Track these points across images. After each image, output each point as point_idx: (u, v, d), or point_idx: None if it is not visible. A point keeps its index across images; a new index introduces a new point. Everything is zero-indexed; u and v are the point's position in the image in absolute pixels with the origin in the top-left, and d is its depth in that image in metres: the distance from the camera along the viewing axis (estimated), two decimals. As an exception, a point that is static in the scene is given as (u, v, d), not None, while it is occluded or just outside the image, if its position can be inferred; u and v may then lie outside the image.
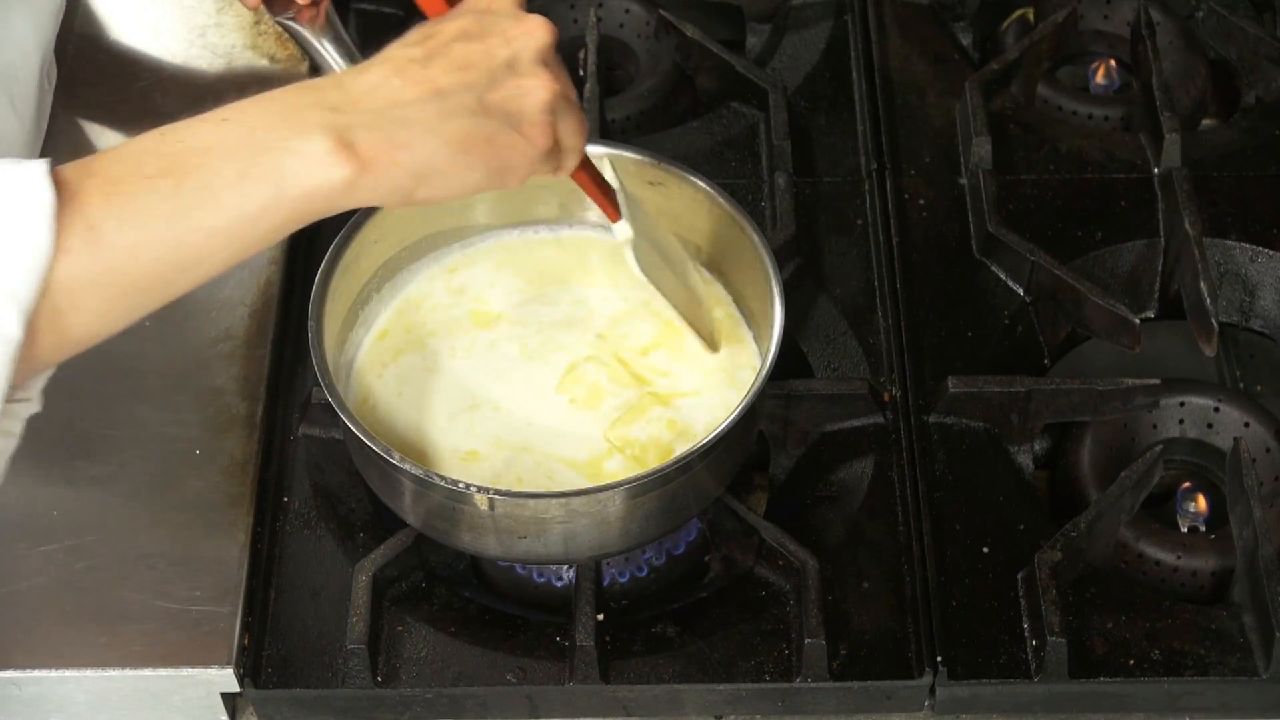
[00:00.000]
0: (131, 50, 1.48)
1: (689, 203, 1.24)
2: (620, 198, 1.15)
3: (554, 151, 0.99)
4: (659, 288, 1.18)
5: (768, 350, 1.15)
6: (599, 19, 1.52)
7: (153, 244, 0.87)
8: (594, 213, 1.29)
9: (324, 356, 1.14)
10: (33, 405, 0.95)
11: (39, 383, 0.95)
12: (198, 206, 0.88)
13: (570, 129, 1.00)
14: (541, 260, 1.30)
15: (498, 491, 1.11)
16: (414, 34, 0.98)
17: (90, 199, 0.87)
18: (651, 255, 1.18)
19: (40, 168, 0.86)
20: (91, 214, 0.86)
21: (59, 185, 0.86)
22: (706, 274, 1.27)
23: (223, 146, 0.89)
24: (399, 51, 0.97)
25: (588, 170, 1.11)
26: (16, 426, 0.96)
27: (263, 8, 1.22)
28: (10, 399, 0.89)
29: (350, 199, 0.91)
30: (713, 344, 1.23)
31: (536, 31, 0.98)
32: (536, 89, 0.97)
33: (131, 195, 0.87)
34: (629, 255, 1.15)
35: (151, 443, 1.24)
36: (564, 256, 1.30)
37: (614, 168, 1.16)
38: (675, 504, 1.14)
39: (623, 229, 1.15)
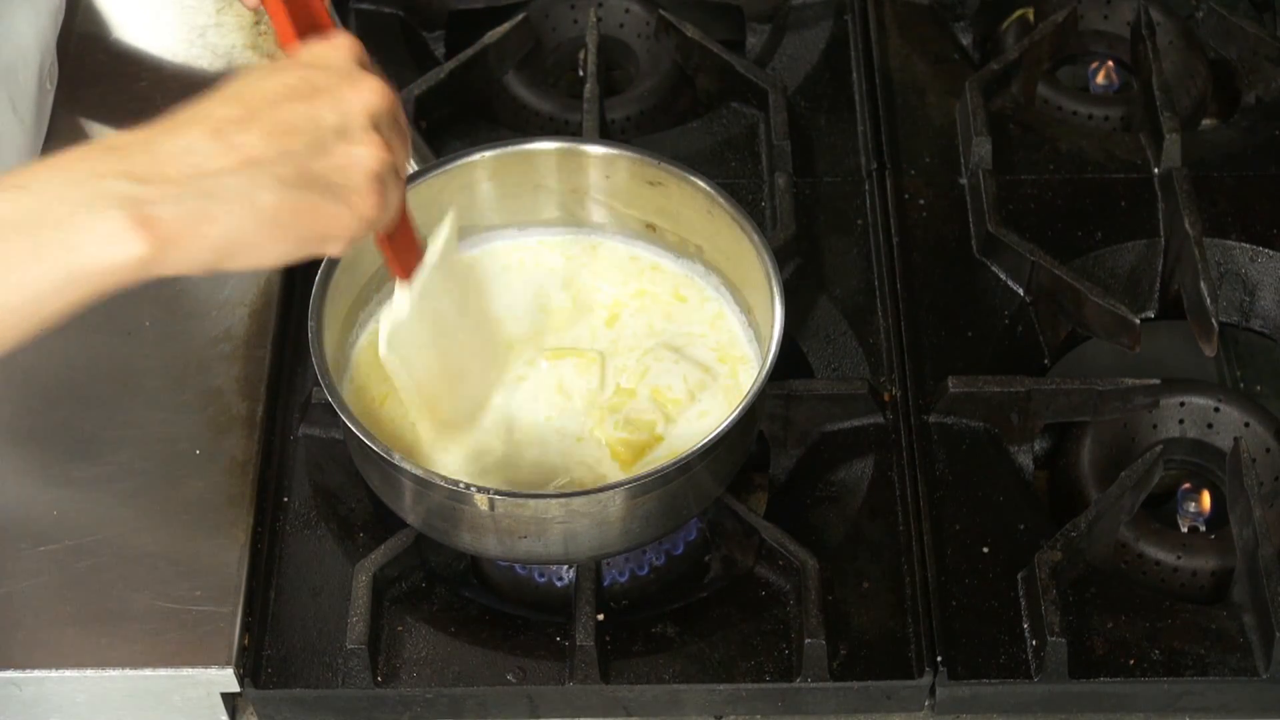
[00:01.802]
0: (131, 50, 1.48)
1: (688, 203, 1.24)
2: (428, 270, 1.09)
3: (374, 217, 0.94)
4: (395, 369, 1.12)
5: (768, 350, 1.15)
6: (599, 19, 1.52)
7: None
8: (595, 214, 1.29)
9: (324, 356, 1.14)
10: None
11: None
12: None
13: (394, 200, 0.96)
14: (542, 261, 1.30)
15: (498, 491, 1.11)
16: (241, 85, 0.93)
17: None
18: (417, 335, 1.12)
19: None
20: None
21: None
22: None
23: (15, 221, 0.84)
24: (217, 108, 0.91)
25: (394, 234, 1.05)
26: None
27: (262, 8, 1.22)
28: None
29: (150, 274, 0.87)
30: (436, 426, 1.17)
31: (370, 95, 0.93)
32: (365, 158, 0.92)
33: None
34: (382, 329, 1.10)
35: (151, 443, 1.24)
36: (564, 258, 1.30)
37: (450, 236, 1.11)
38: (675, 504, 1.14)
39: (401, 303, 1.09)
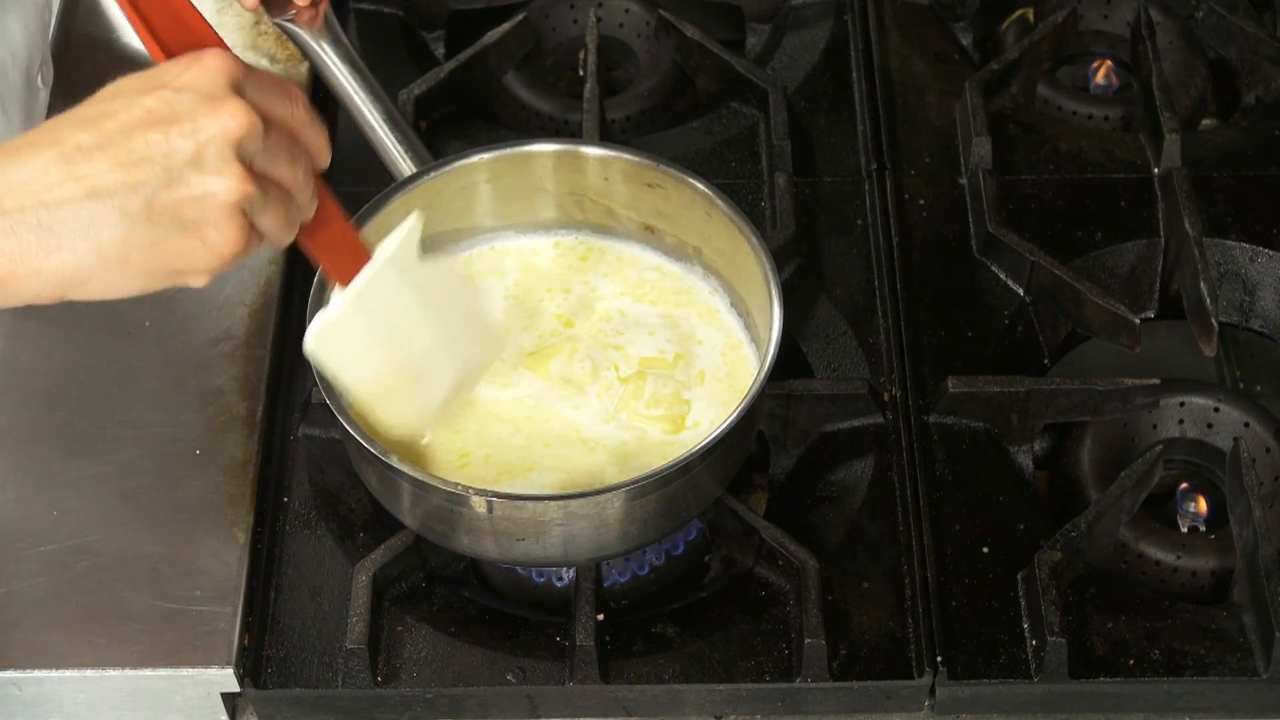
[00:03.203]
0: (132, 50, 1.48)
1: (687, 204, 1.24)
2: (383, 270, 1.06)
3: (251, 244, 0.91)
4: (317, 363, 1.09)
5: (767, 351, 1.15)
6: (599, 19, 1.52)
7: None
8: (594, 216, 1.29)
9: (323, 358, 1.14)
10: None
11: None
12: None
13: (271, 221, 0.92)
14: (541, 263, 1.30)
15: (496, 494, 1.11)
16: (99, 104, 0.90)
17: None
18: (356, 337, 1.08)
19: None
20: None
21: None
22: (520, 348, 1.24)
23: None
24: (70, 132, 0.88)
25: (319, 241, 1.02)
26: None
27: (261, 9, 1.22)
28: None
29: None
30: (395, 423, 1.14)
31: (229, 121, 0.88)
32: (220, 190, 0.88)
33: None
34: (311, 325, 1.07)
35: (151, 443, 1.24)
36: (564, 259, 1.30)
37: (414, 233, 1.08)
38: (675, 506, 1.14)
39: (333, 307, 1.06)
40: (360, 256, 1.06)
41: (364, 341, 1.09)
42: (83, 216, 0.85)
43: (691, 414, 1.21)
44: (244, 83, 0.91)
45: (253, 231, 0.91)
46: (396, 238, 1.07)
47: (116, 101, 0.89)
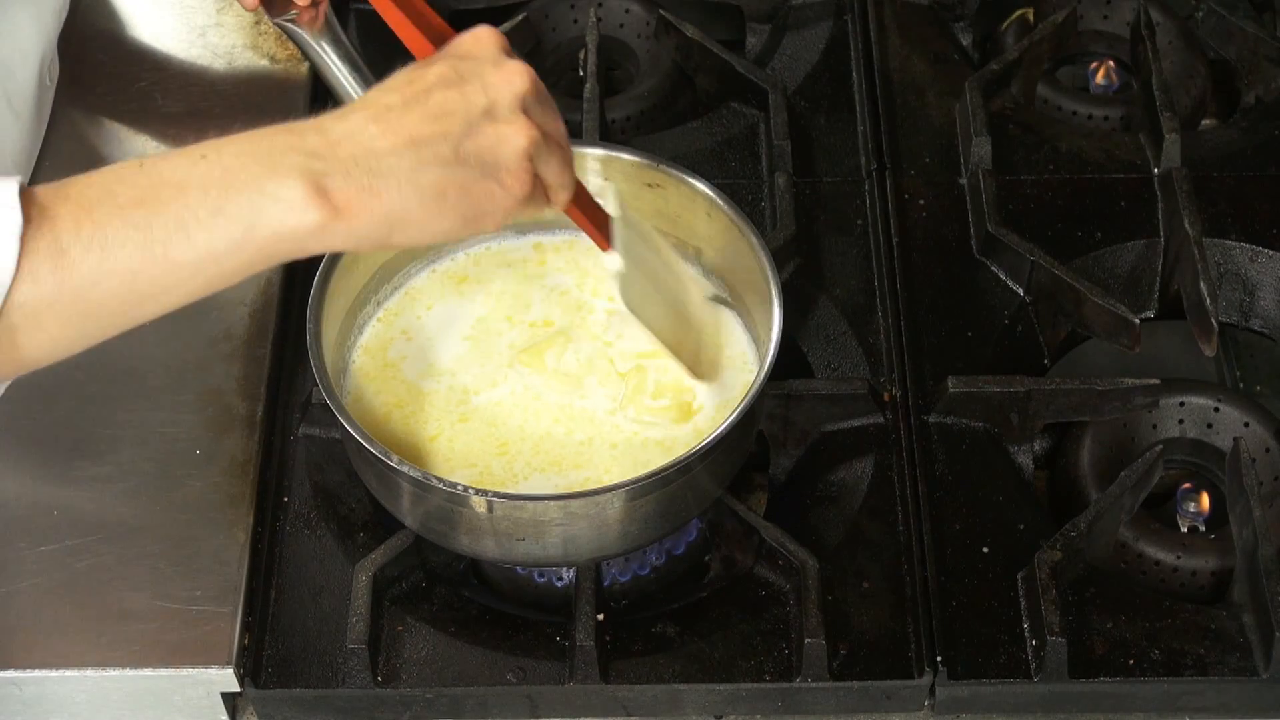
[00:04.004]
0: (131, 50, 1.48)
1: (687, 204, 1.24)
2: (617, 226, 1.14)
3: (536, 194, 1.00)
4: (643, 319, 1.18)
5: (767, 351, 1.15)
6: (599, 19, 1.52)
7: (118, 272, 0.88)
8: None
9: (322, 358, 1.14)
10: None
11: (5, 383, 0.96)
12: (167, 239, 0.89)
13: (554, 170, 1.01)
14: (540, 263, 1.30)
15: (496, 494, 1.11)
16: (397, 78, 0.99)
17: (62, 223, 0.87)
18: (641, 285, 1.17)
19: (10, 188, 0.86)
20: (62, 237, 0.87)
21: (32, 206, 0.87)
22: (714, 289, 1.27)
23: (199, 182, 0.90)
24: (379, 97, 0.97)
25: (579, 202, 1.10)
26: None
27: (262, 9, 1.22)
28: None
29: (321, 243, 0.92)
30: (698, 372, 1.21)
31: (515, 78, 0.98)
32: (512, 136, 0.97)
33: (103, 223, 0.88)
34: (616, 287, 1.16)
35: (151, 443, 1.24)
36: (564, 260, 1.30)
37: (618, 197, 1.16)
38: (675, 506, 1.14)
39: (613, 260, 1.15)
40: (607, 215, 1.15)
41: (645, 287, 1.18)
42: (405, 162, 0.93)
43: (696, 399, 1.21)
44: (509, 51, 1.02)
45: (537, 180, 1.00)
46: (610, 196, 1.16)
47: (412, 73, 0.98)
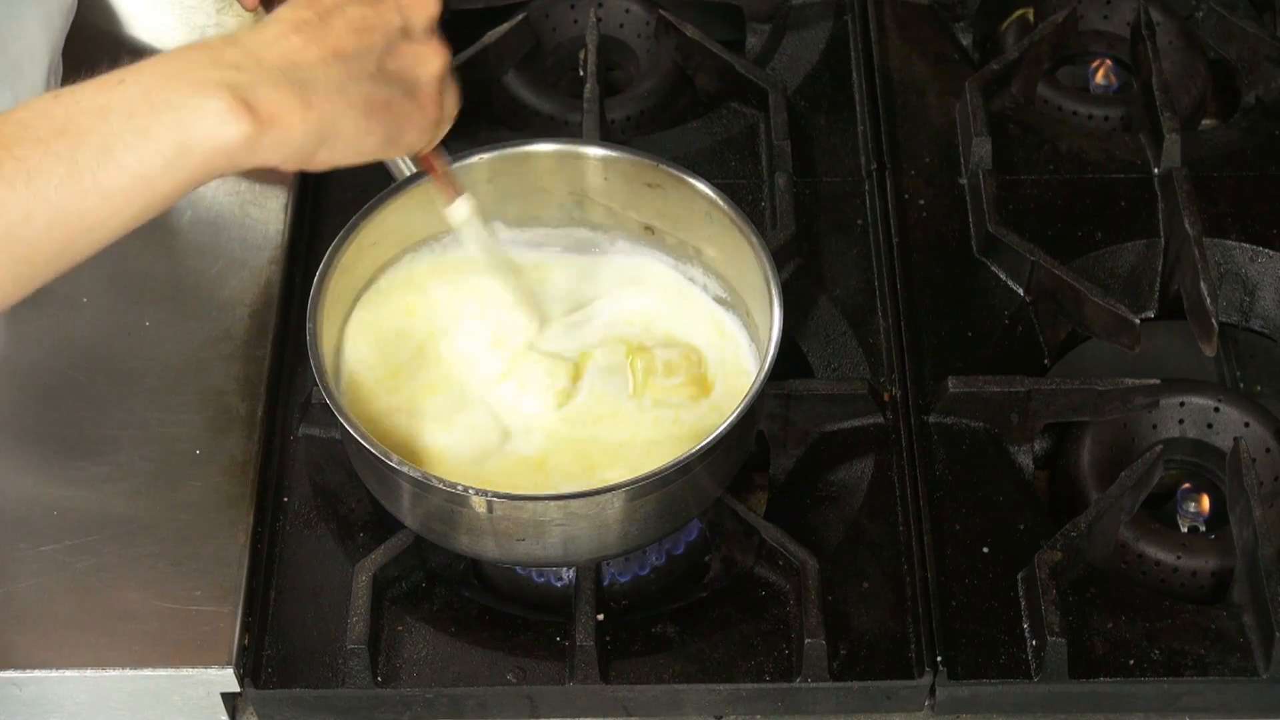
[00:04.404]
0: (132, 50, 1.48)
1: (687, 204, 1.24)
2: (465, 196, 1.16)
3: (437, 122, 1.00)
4: (491, 261, 1.20)
5: (767, 351, 1.15)
6: (599, 19, 1.52)
7: (47, 207, 0.86)
8: (594, 215, 1.29)
9: (322, 359, 1.14)
10: None
11: None
12: (95, 167, 0.86)
13: (451, 101, 1.01)
14: (540, 263, 1.30)
15: (496, 494, 1.10)
16: None
17: None
18: (484, 239, 1.20)
19: None
20: None
21: None
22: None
23: (121, 107, 0.87)
24: (290, 13, 0.95)
25: (435, 151, 1.11)
26: None
27: (261, 9, 1.22)
28: None
29: (251, 157, 0.90)
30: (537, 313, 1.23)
31: (427, 1, 0.98)
32: (430, 57, 0.97)
33: (23, 157, 0.85)
34: (468, 233, 1.17)
35: (151, 443, 1.24)
36: (564, 258, 1.30)
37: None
38: (675, 506, 1.14)
39: (461, 206, 1.16)
40: (458, 184, 1.16)
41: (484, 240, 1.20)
42: (334, 74, 0.93)
43: (709, 369, 1.21)
44: None
45: (442, 110, 1.00)
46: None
47: None
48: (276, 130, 0.90)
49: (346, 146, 0.94)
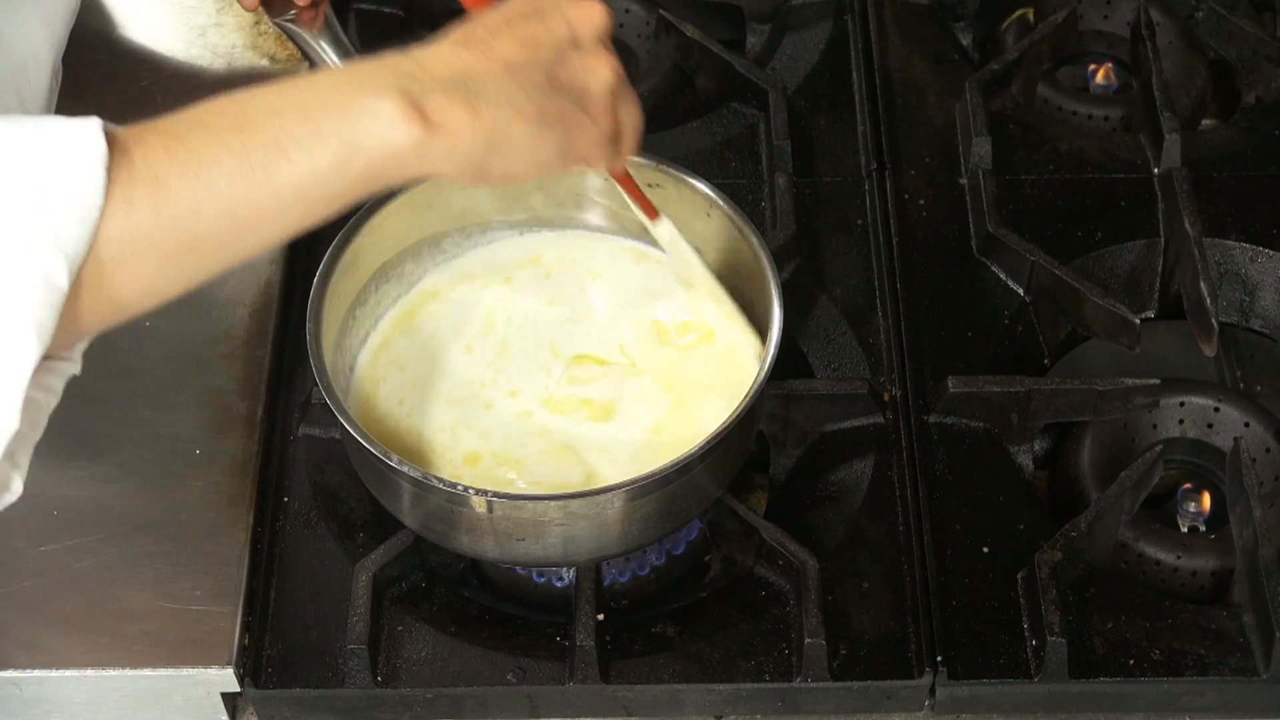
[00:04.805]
0: (131, 50, 1.48)
1: (687, 204, 1.24)
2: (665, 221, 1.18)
3: (614, 136, 1.00)
4: (697, 279, 1.20)
5: (767, 351, 1.15)
6: (599, 19, 1.52)
7: (218, 198, 0.85)
8: (593, 214, 1.29)
9: (322, 358, 1.14)
10: (73, 366, 0.93)
11: (81, 344, 0.93)
12: (267, 162, 0.86)
13: (629, 112, 1.01)
14: (540, 264, 1.30)
15: (496, 494, 1.11)
16: (474, 19, 0.97)
17: (153, 152, 0.85)
18: (683, 255, 1.21)
19: (94, 122, 0.84)
20: (156, 165, 0.84)
21: (116, 140, 0.84)
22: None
23: (294, 106, 0.88)
24: (461, 31, 0.96)
25: (629, 172, 1.11)
26: (58, 384, 0.92)
27: (262, 9, 1.22)
28: (53, 356, 0.87)
29: (423, 163, 0.90)
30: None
31: (595, 13, 0.98)
32: (599, 68, 0.97)
33: (196, 148, 0.85)
34: (676, 250, 1.19)
35: (151, 443, 1.24)
36: (563, 257, 1.30)
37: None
38: (675, 506, 1.14)
39: (664, 228, 1.17)
40: (653, 205, 1.18)
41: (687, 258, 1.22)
42: (504, 85, 0.92)
43: (708, 320, 1.24)
44: None
45: (616, 118, 0.99)
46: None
47: (487, 13, 0.97)
48: (446, 136, 0.90)
49: (519, 156, 0.94)
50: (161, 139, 0.86)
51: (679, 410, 1.20)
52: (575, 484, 1.17)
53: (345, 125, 0.88)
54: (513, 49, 0.94)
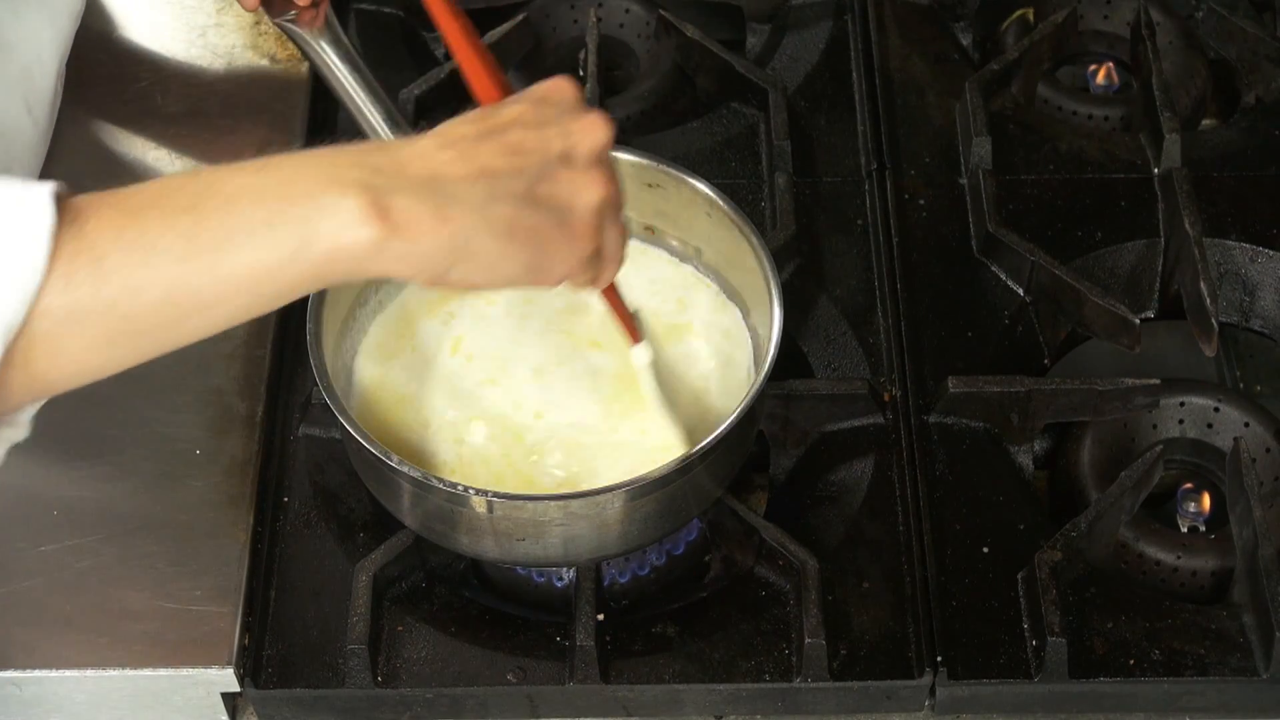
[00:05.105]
0: (132, 50, 1.48)
1: (687, 204, 1.24)
2: (638, 319, 1.15)
3: (594, 258, 0.95)
4: (665, 408, 1.18)
5: (767, 351, 1.15)
6: (599, 19, 1.52)
7: (159, 282, 0.83)
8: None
9: (322, 359, 1.14)
10: (18, 432, 0.92)
11: (29, 410, 0.91)
12: (214, 249, 0.83)
13: (614, 237, 0.96)
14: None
15: (496, 494, 1.10)
16: (471, 114, 0.95)
17: (101, 228, 0.83)
18: (660, 373, 1.18)
19: (46, 189, 0.82)
20: (100, 242, 0.82)
21: (71, 210, 0.82)
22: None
23: (252, 192, 0.85)
24: (452, 127, 0.92)
25: (616, 289, 1.09)
26: None
27: (262, 9, 1.22)
28: None
29: (377, 263, 0.87)
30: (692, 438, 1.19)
31: (595, 129, 0.94)
32: (588, 187, 0.92)
33: (145, 229, 0.83)
34: (645, 377, 1.16)
35: (152, 443, 1.24)
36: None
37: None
38: (675, 506, 1.14)
39: (642, 353, 1.15)
40: (629, 310, 1.15)
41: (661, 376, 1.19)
42: (477, 192, 0.89)
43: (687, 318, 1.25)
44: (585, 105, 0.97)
45: (599, 241, 0.95)
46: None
47: (486, 110, 0.95)
48: (404, 239, 0.86)
49: (481, 268, 0.90)
50: (115, 214, 0.83)
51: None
52: (575, 484, 1.17)
53: (300, 219, 0.84)
54: (496, 156, 0.90)
